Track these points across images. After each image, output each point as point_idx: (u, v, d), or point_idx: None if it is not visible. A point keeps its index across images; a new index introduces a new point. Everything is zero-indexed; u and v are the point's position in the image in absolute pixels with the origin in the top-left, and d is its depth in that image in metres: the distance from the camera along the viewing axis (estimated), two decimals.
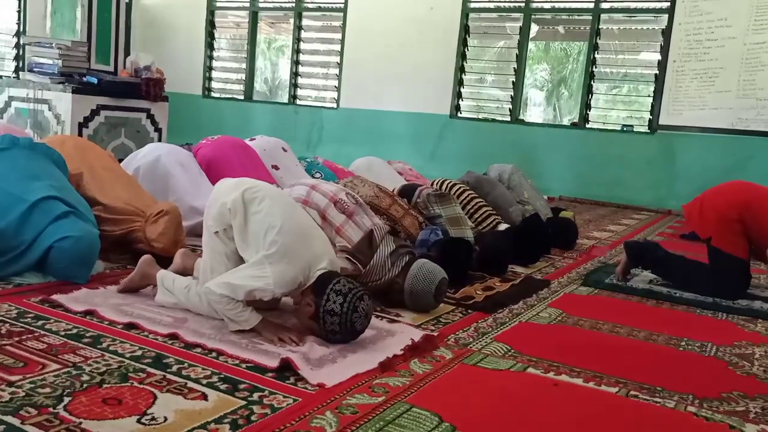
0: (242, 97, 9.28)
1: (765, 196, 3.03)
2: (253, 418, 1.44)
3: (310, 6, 8.85)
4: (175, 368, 1.68)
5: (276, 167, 4.04)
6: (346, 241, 2.49)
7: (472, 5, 7.80)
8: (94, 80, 4.91)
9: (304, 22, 8.91)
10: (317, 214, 2.54)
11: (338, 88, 8.50)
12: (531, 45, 8.59)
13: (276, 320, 2.06)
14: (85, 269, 2.38)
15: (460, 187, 3.79)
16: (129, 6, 6.94)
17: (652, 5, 7.06)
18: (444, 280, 2.42)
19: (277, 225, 1.96)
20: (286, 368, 1.70)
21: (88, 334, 1.87)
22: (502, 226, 3.66)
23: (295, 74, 8.90)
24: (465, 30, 7.75)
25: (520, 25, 7.59)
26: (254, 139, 4.25)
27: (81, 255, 2.35)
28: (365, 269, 2.40)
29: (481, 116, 8.02)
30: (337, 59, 8.50)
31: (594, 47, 7.22)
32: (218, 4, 9.38)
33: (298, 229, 2.03)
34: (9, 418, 1.34)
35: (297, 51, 8.83)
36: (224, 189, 2.08)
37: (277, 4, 9.17)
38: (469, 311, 2.48)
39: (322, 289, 1.91)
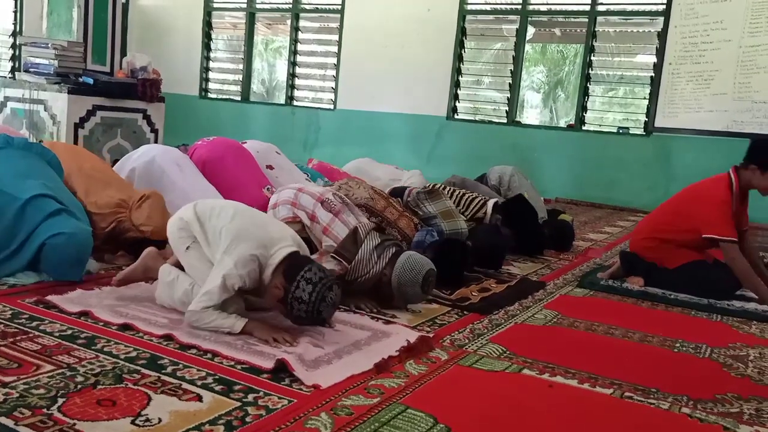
0: (239, 98, 9.27)
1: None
2: (248, 419, 1.43)
3: (308, 7, 8.85)
4: (169, 369, 1.68)
5: (270, 167, 4.04)
6: (333, 241, 2.49)
7: (469, 7, 7.81)
8: (90, 81, 4.90)
9: (302, 23, 8.91)
10: (306, 216, 2.55)
11: (335, 90, 8.50)
12: (527, 47, 8.60)
13: (271, 321, 2.06)
14: (78, 267, 2.38)
15: (447, 188, 3.86)
16: (125, 6, 6.93)
17: (647, 8, 7.08)
18: (431, 271, 2.41)
19: (228, 219, 2.07)
20: (281, 369, 1.70)
21: (82, 335, 1.87)
22: (490, 203, 3.73)
23: (292, 75, 8.90)
24: (462, 32, 7.76)
25: (517, 27, 7.60)
26: (245, 142, 4.26)
27: (74, 252, 2.35)
28: (351, 265, 2.40)
29: (477, 118, 8.03)
30: (334, 60, 8.50)
31: (590, 49, 7.24)
32: (215, 5, 9.37)
33: (250, 219, 2.13)
34: (3, 419, 1.33)
35: (294, 52, 8.83)
36: (177, 213, 2.20)
37: (274, 6, 9.17)
38: (465, 312, 2.48)
39: (293, 275, 1.93)
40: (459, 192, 3.83)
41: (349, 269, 2.39)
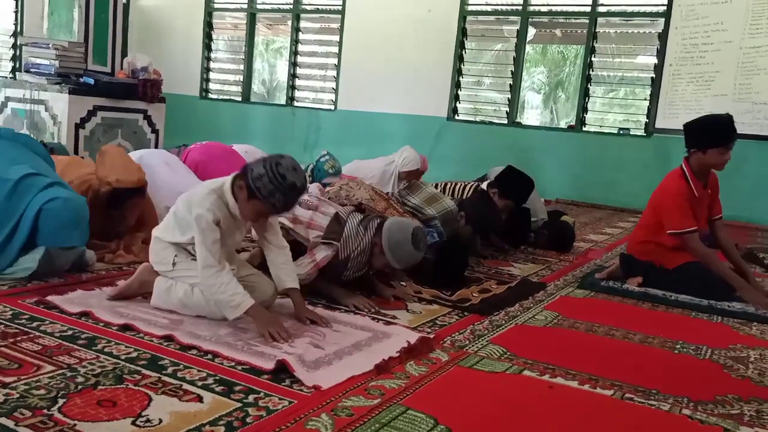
0: (240, 99, 9.27)
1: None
2: (248, 420, 1.43)
3: (308, 8, 8.86)
4: (170, 370, 1.68)
5: None
6: (319, 230, 2.52)
7: (470, 8, 7.81)
8: (91, 81, 4.91)
9: (302, 24, 8.92)
10: (288, 221, 2.58)
11: (336, 90, 8.50)
12: (528, 48, 8.60)
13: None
14: (77, 230, 2.40)
15: (439, 184, 3.99)
16: (126, 7, 6.93)
17: (648, 9, 7.09)
18: (419, 228, 2.47)
19: (181, 204, 2.18)
20: (282, 370, 1.70)
21: (83, 336, 1.87)
22: (484, 185, 3.82)
23: (292, 76, 8.90)
24: (462, 33, 7.76)
25: (518, 28, 7.60)
26: (232, 146, 4.42)
27: (71, 215, 2.38)
28: (340, 243, 2.44)
29: (478, 119, 8.03)
30: (335, 61, 8.51)
31: (591, 50, 7.24)
32: (216, 6, 9.37)
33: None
34: (3, 420, 1.34)
35: (295, 53, 8.83)
36: (153, 238, 2.27)
37: (275, 6, 9.17)
38: (465, 313, 2.48)
39: (243, 172, 2.03)
40: (452, 184, 3.92)
41: (340, 247, 2.43)
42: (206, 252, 2.01)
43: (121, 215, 2.81)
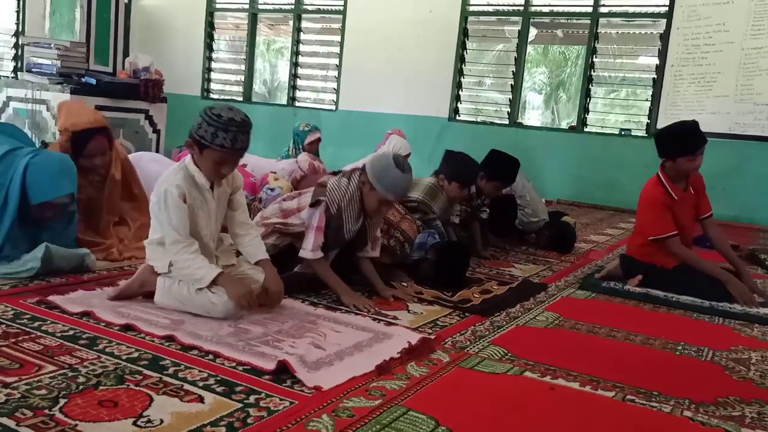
0: (241, 99, 9.28)
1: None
2: (249, 420, 1.43)
3: (310, 8, 8.86)
4: (171, 370, 1.68)
5: (245, 165, 4.32)
6: (306, 205, 2.57)
7: (471, 8, 7.81)
8: (93, 81, 4.91)
9: (304, 24, 8.92)
10: (278, 217, 2.63)
11: (337, 90, 8.50)
12: (530, 48, 8.60)
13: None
14: (68, 180, 2.46)
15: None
16: (128, 7, 6.94)
17: (650, 9, 7.08)
18: (398, 155, 2.51)
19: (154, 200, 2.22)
20: (283, 371, 1.70)
21: (84, 336, 1.87)
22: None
23: (294, 76, 8.90)
24: (464, 33, 7.76)
25: (519, 28, 7.60)
26: None
27: (57, 165, 2.44)
28: (327, 197, 2.48)
29: (479, 119, 8.03)
30: (336, 61, 8.51)
31: (592, 51, 7.24)
32: (217, 6, 9.38)
33: None
34: (4, 420, 1.34)
35: (296, 53, 8.83)
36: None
37: (277, 6, 9.17)
38: (466, 314, 2.48)
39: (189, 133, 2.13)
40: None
41: (327, 201, 2.47)
42: (172, 229, 2.10)
43: (91, 164, 2.84)
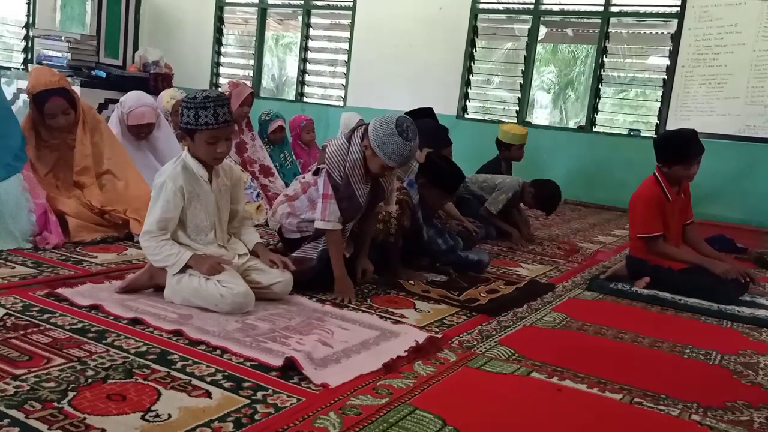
0: None
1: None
2: (256, 417, 1.44)
3: (319, 4, 8.84)
4: (179, 365, 1.68)
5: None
6: (314, 184, 2.58)
7: (481, 6, 7.78)
8: (103, 74, 4.93)
9: (313, 19, 8.91)
10: (286, 205, 2.69)
11: (345, 87, 8.49)
12: (539, 47, 8.54)
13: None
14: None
15: None
16: (138, 0, 6.95)
17: (661, 10, 7.03)
18: (404, 118, 2.39)
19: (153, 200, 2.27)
20: (290, 367, 1.70)
21: (93, 329, 1.87)
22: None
23: (302, 72, 8.90)
24: (473, 31, 7.73)
25: (529, 27, 7.57)
26: None
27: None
28: (326, 163, 2.45)
29: (487, 117, 8.00)
30: (345, 58, 8.49)
31: (602, 50, 7.20)
32: (227, 0, 9.38)
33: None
34: (13, 412, 1.34)
35: (305, 48, 8.83)
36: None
37: (286, 1, 9.17)
38: (473, 314, 2.47)
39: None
40: None
41: (329, 167, 2.44)
42: (152, 220, 2.16)
43: (56, 123, 3.03)
